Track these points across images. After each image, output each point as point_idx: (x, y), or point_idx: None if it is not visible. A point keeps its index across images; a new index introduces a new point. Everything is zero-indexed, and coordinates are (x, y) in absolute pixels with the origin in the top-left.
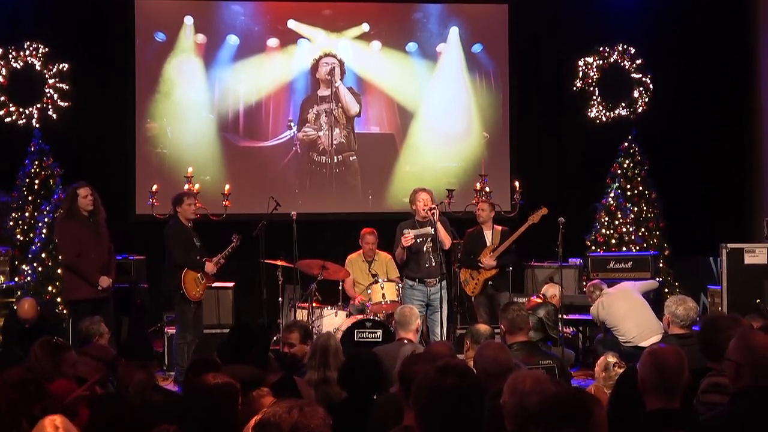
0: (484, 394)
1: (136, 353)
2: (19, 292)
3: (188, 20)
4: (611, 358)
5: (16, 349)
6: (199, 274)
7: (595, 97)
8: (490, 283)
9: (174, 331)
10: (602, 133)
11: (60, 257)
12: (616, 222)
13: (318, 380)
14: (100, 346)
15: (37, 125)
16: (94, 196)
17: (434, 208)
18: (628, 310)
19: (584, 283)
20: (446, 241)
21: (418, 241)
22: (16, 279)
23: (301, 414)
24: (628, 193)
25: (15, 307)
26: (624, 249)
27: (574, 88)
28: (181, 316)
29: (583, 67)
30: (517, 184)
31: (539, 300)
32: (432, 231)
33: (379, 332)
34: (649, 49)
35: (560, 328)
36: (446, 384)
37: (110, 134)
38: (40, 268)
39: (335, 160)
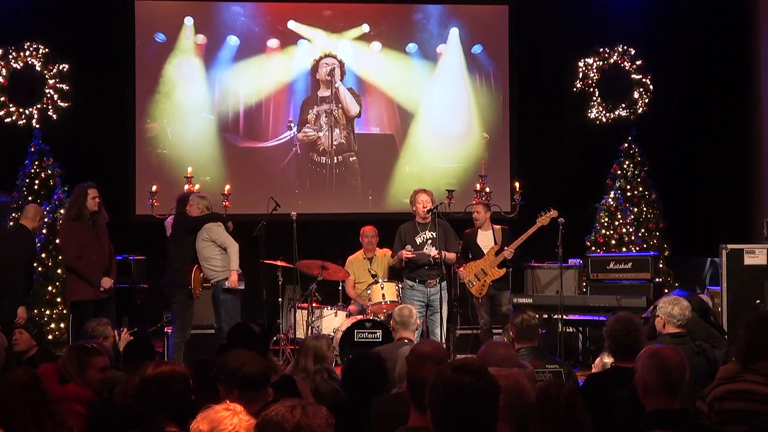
0: (499, 393)
1: (129, 358)
2: None
3: (188, 21)
4: (607, 359)
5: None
6: (202, 273)
7: (595, 98)
8: (490, 283)
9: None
10: (602, 133)
11: (61, 258)
12: (616, 223)
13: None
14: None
15: (37, 125)
16: (100, 198)
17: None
18: None
19: (584, 284)
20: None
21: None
22: None
23: (304, 414)
24: (628, 194)
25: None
26: (624, 250)
27: (574, 89)
28: (181, 313)
29: (583, 68)
30: (517, 184)
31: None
32: (431, 255)
33: (379, 332)
34: (649, 50)
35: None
36: (463, 382)
37: (110, 134)
38: (40, 269)
39: (335, 161)
